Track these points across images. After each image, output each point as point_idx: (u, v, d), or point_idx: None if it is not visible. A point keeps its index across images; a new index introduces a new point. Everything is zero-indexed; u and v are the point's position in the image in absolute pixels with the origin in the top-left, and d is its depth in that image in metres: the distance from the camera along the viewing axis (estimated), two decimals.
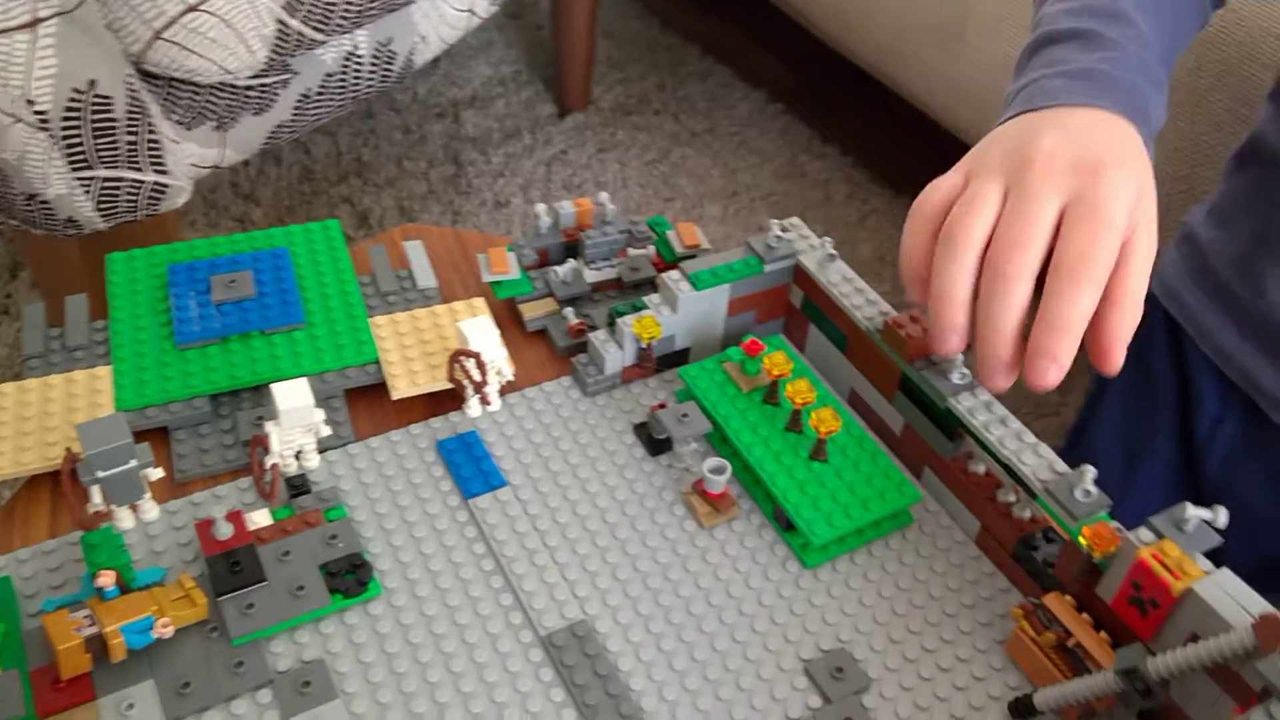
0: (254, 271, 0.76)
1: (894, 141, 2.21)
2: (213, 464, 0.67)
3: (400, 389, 0.70)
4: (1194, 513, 0.55)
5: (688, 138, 2.26)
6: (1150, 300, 0.87)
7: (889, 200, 2.13)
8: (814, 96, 2.34)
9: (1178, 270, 0.89)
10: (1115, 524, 0.58)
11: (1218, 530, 0.55)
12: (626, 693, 0.57)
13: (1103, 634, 0.58)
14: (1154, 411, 0.88)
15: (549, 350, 0.78)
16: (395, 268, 0.81)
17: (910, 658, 0.61)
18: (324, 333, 0.74)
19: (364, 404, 0.72)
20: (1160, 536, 0.55)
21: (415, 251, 0.81)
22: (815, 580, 0.65)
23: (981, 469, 0.68)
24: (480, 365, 0.66)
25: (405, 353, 0.72)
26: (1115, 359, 0.55)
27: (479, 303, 0.77)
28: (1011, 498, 0.66)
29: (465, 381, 0.68)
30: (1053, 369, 0.53)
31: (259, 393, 0.71)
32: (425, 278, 0.79)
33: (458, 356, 0.66)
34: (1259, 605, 0.51)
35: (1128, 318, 0.55)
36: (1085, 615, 0.59)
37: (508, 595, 0.62)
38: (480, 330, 0.66)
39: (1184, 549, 0.54)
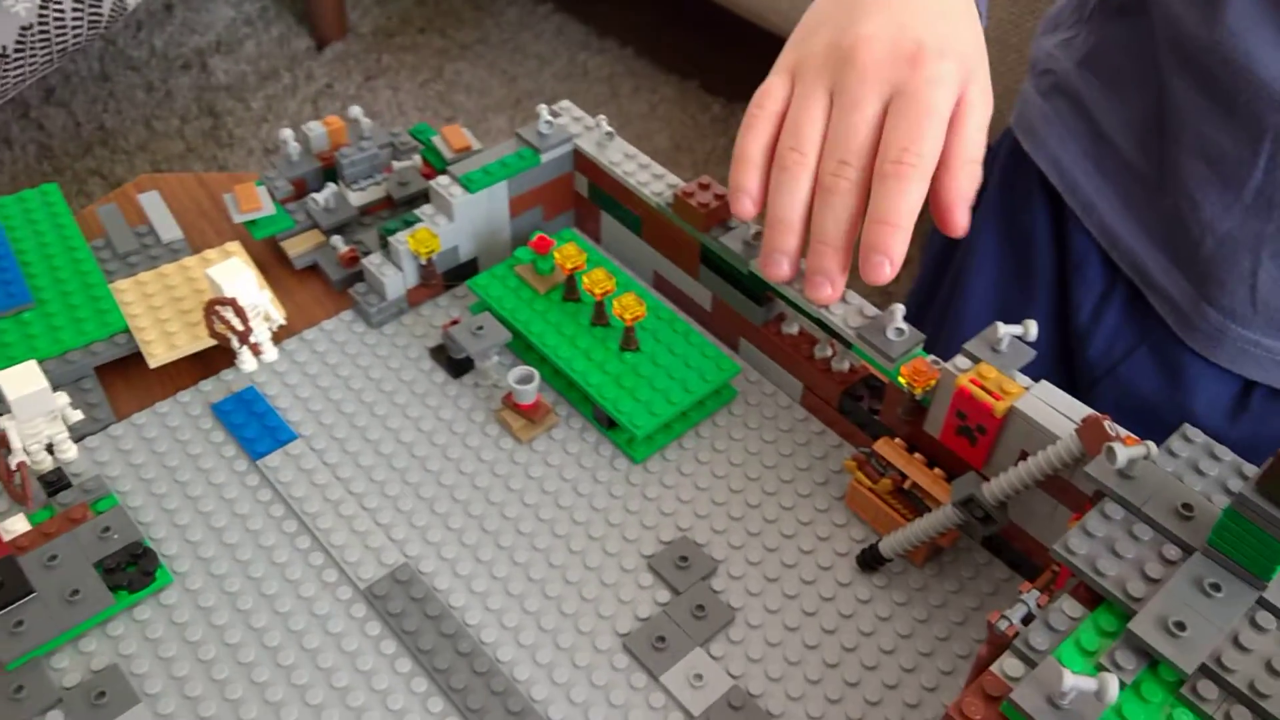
0: None
1: (673, 27, 2.16)
2: None
3: (158, 355, 0.63)
4: (1006, 330, 0.54)
5: (459, 52, 2.17)
6: (1026, 160, 0.82)
7: (677, 87, 2.10)
8: None
9: (1056, 130, 0.81)
10: (931, 357, 0.56)
11: (1030, 344, 0.54)
12: (463, 629, 0.53)
13: (937, 470, 0.56)
14: (1027, 283, 0.83)
15: (324, 286, 0.71)
16: (133, 224, 0.72)
17: (753, 532, 0.59)
18: (59, 309, 0.65)
19: (122, 380, 0.64)
20: (976, 361, 0.54)
21: (153, 204, 0.73)
22: (646, 473, 0.61)
23: (795, 329, 0.65)
24: (239, 312, 0.59)
25: (158, 315, 0.65)
26: (956, 220, 0.55)
27: (234, 247, 0.70)
28: (829, 352, 0.64)
29: (229, 334, 0.61)
30: (886, 264, 0.52)
31: None
32: (168, 230, 0.71)
33: (213, 307, 0.59)
34: (1081, 411, 0.50)
35: (964, 181, 0.54)
36: (917, 455, 0.57)
37: (317, 554, 0.56)
38: (232, 274, 0.60)
39: (1001, 369, 0.53)
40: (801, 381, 0.65)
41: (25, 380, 0.54)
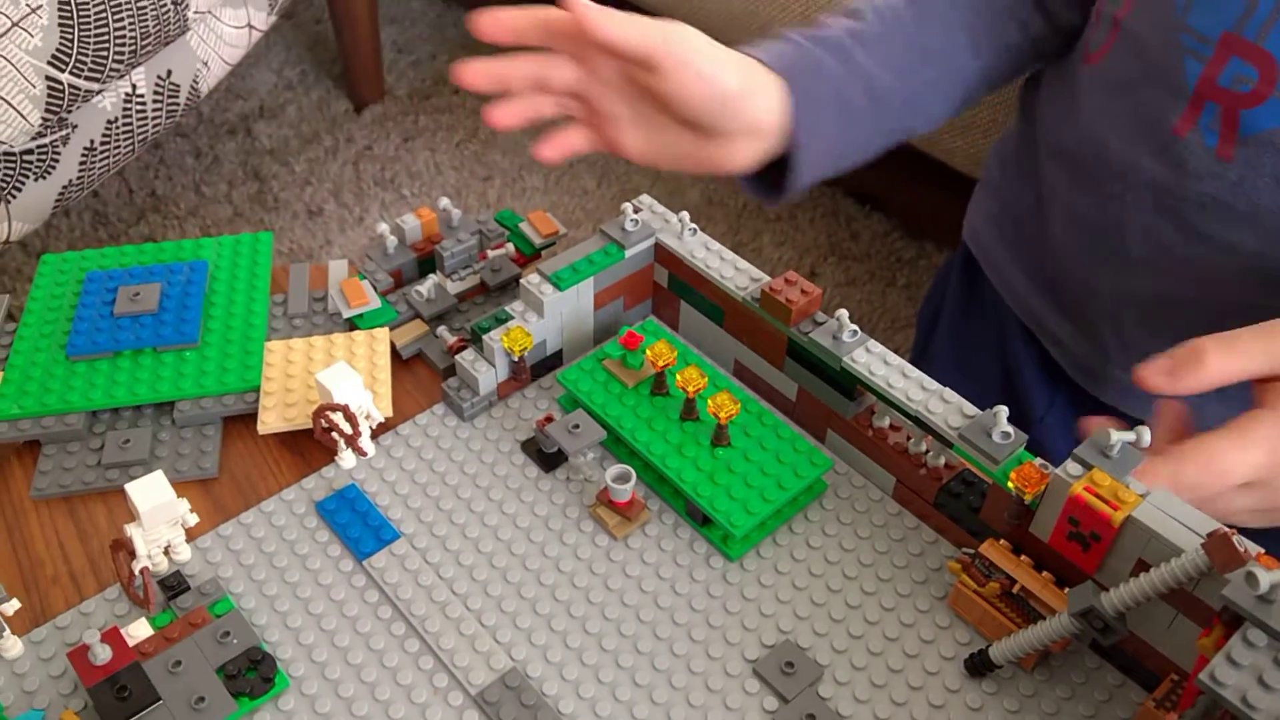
0: (165, 284, 0.72)
1: None
2: (70, 484, 0.64)
3: (268, 423, 0.64)
4: (1118, 437, 0.54)
5: None
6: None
7: None
8: None
9: (982, 213, 0.92)
10: (1039, 461, 0.56)
11: (1142, 450, 0.54)
12: None
13: (1046, 574, 0.56)
14: (980, 336, 0.93)
15: (417, 375, 0.72)
16: (313, 288, 0.76)
17: (856, 634, 0.59)
18: (214, 354, 0.69)
19: (235, 434, 0.68)
20: (1087, 467, 0.54)
21: (336, 273, 0.76)
22: (743, 571, 0.62)
23: (886, 422, 0.66)
24: (349, 418, 0.60)
25: (287, 383, 0.67)
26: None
27: (381, 334, 0.72)
28: (923, 447, 0.64)
29: (336, 436, 0.62)
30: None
31: (139, 412, 0.68)
32: (336, 302, 0.74)
33: (323, 412, 0.60)
34: (1202, 522, 0.50)
35: None
36: (1024, 557, 0.57)
37: (427, 657, 0.57)
38: (340, 379, 0.61)
39: (1114, 476, 0.53)
40: (894, 475, 0.65)
41: (154, 491, 0.55)
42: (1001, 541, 0.58)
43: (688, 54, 0.61)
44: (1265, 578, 0.43)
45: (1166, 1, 0.68)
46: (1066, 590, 0.54)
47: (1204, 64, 0.67)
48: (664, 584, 0.61)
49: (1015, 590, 0.56)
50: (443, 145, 2.09)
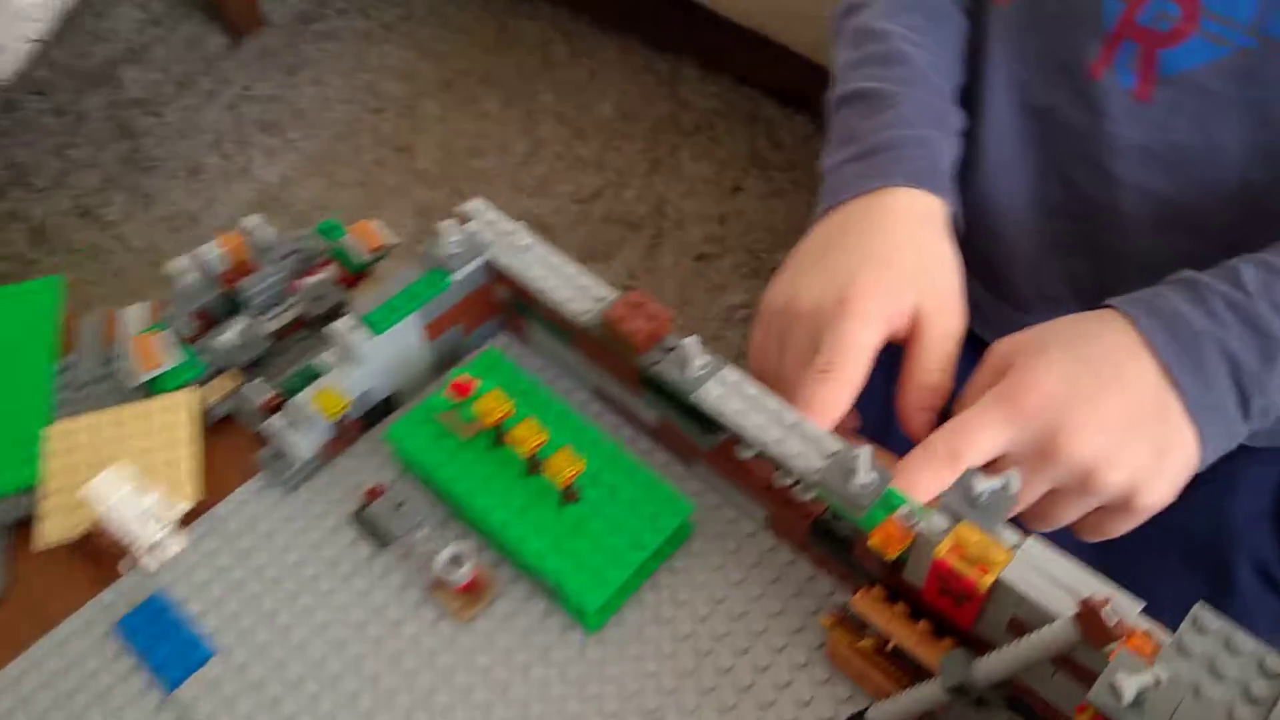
0: None
1: None
2: None
3: (48, 534, 0.55)
4: (985, 485, 0.48)
5: (383, 33, 2.06)
6: None
7: (617, 46, 2.00)
8: None
9: None
10: (905, 510, 0.50)
11: (1011, 497, 0.48)
12: None
13: (923, 624, 0.51)
14: None
15: (237, 438, 0.64)
16: (108, 343, 0.66)
17: (729, 705, 0.53)
18: None
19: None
20: (956, 518, 0.48)
21: (134, 321, 0.65)
22: (603, 645, 0.56)
23: (751, 453, 0.59)
24: (110, 544, 0.52)
25: (73, 477, 0.57)
26: (908, 429, 0.62)
27: (182, 398, 0.62)
28: (788, 480, 0.57)
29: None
30: None
31: None
32: (129, 363, 0.64)
33: (100, 531, 0.52)
34: (1075, 579, 0.45)
35: (912, 397, 0.62)
36: (899, 605, 0.52)
37: None
38: (107, 491, 0.53)
39: (983, 527, 0.47)
40: (764, 508, 0.59)
41: None
42: (875, 589, 0.52)
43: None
44: (1129, 685, 0.37)
45: None
46: (946, 640, 0.49)
47: (1125, 2, 0.66)
48: (516, 672, 0.55)
49: (890, 647, 0.51)
50: (331, 76, 1.97)
